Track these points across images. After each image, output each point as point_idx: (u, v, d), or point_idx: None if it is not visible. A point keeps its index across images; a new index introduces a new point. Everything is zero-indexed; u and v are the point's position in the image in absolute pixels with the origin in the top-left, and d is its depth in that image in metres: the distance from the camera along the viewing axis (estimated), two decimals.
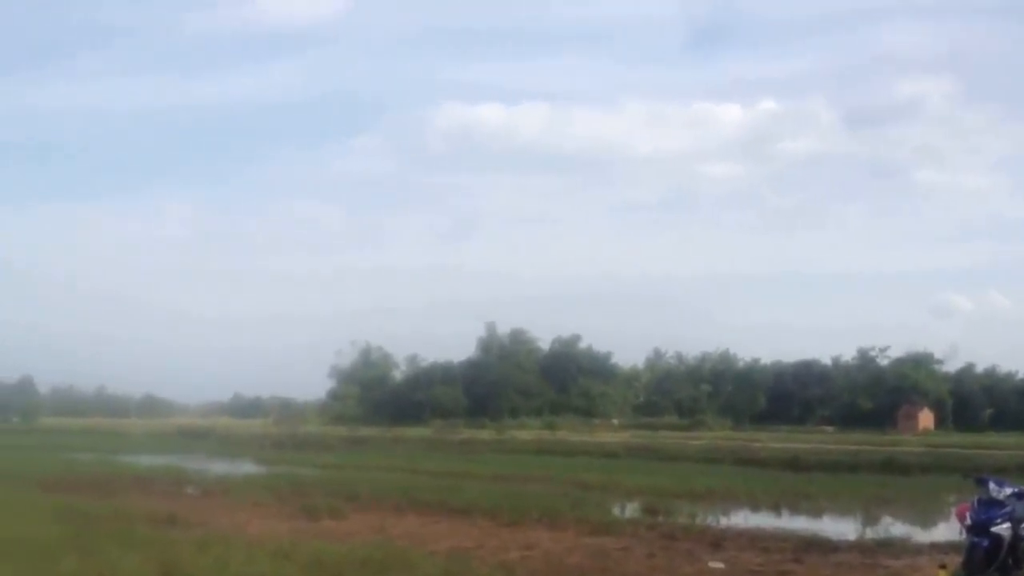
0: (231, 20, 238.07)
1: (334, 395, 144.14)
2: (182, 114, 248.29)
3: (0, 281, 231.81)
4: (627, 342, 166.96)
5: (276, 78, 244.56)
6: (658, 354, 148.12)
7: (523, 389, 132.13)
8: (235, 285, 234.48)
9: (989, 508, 12.37)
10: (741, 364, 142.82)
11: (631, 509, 27.04)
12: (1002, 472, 28.36)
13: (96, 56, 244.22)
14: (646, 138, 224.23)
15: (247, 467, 43.48)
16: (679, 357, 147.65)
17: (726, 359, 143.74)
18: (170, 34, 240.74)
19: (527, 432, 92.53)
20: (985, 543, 12.08)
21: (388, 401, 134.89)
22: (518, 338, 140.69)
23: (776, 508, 29.02)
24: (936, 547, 19.05)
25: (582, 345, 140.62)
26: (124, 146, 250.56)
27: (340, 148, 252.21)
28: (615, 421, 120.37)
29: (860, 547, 19.54)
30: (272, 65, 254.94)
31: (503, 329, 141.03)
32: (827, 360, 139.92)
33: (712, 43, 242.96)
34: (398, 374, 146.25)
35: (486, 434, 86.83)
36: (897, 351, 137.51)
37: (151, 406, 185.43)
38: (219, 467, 41.26)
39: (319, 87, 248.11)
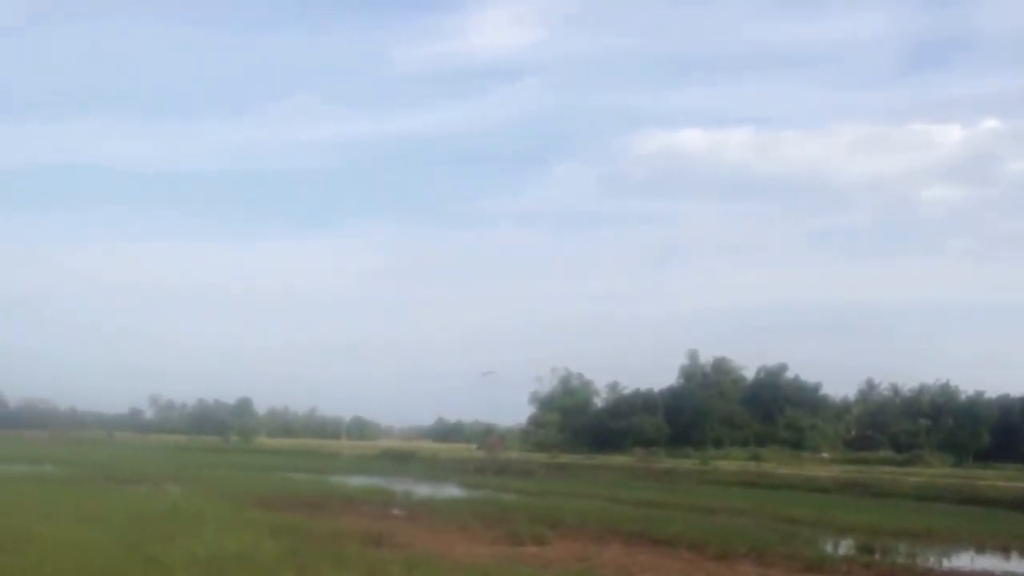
0: (437, 55, 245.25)
1: (534, 421, 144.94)
2: (388, 145, 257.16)
3: (220, 309, 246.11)
4: (837, 373, 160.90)
5: (478, 109, 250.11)
6: (871, 385, 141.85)
7: (727, 419, 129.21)
8: (439, 312, 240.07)
9: None
10: (963, 397, 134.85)
11: (844, 546, 25.81)
12: None
13: (308, 93, 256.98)
14: (857, 162, 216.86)
15: (450, 490, 44.16)
16: (894, 389, 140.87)
17: (946, 392, 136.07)
18: (378, 70, 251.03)
19: (731, 463, 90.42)
20: None
21: (588, 428, 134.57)
22: (721, 367, 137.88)
23: (1005, 551, 27.16)
24: None
25: (789, 375, 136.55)
26: (335, 178, 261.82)
27: (541, 176, 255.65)
28: (825, 455, 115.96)
29: None
30: (475, 96, 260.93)
31: (705, 357, 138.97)
32: None
33: (929, 62, 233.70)
34: (598, 401, 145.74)
35: (689, 464, 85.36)
36: None
37: (359, 428, 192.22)
38: (423, 490, 42.03)
39: (521, 116, 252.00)
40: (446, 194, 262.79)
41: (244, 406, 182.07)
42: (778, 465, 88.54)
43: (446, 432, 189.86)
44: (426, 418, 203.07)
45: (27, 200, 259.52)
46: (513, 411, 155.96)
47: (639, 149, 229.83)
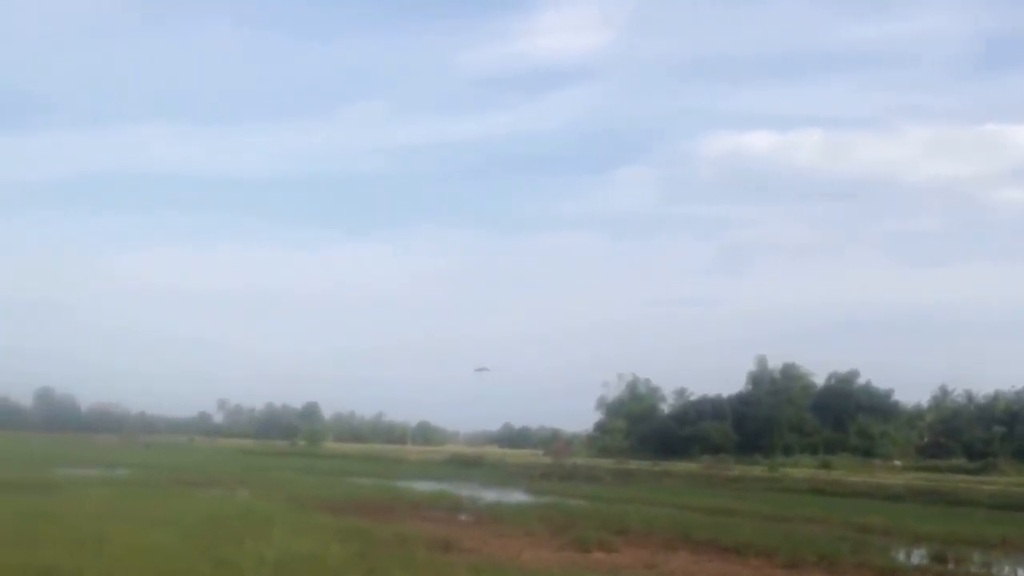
0: (500, 58, 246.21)
1: (601, 427, 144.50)
2: (452, 150, 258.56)
3: (287, 314, 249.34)
4: (909, 379, 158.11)
5: (542, 112, 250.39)
6: (944, 392, 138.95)
7: (796, 426, 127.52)
8: (503, 317, 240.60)
9: None
10: None
11: (917, 556, 25.32)
12: None
13: (374, 98, 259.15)
14: (929, 163, 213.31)
15: (517, 496, 44.15)
16: (968, 396, 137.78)
17: (1022, 398, 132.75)
18: (442, 74, 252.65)
19: (801, 470, 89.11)
20: None
21: (655, 434, 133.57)
22: (790, 373, 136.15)
23: None
24: None
25: (860, 381, 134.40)
26: (399, 182, 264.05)
27: (606, 180, 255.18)
28: (897, 462, 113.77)
29: None
30: (539, 100, 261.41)
31: (774, 363, 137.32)
32: None
33: (1002, 61, 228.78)
34: (665, 407, 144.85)
35: (757, 471, 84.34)
36: None
37: (425, 433, 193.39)
38: (490, 495, 42.08)
39: (584, 119, 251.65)
40: (509, 198, 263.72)
41: (311, 410, 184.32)
42: (849, 473, 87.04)
43: (512, 437, 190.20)
44: (492, 423, 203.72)
45: (97, 206, 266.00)
46: (580, 416, 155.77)
47: (705, 151, 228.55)
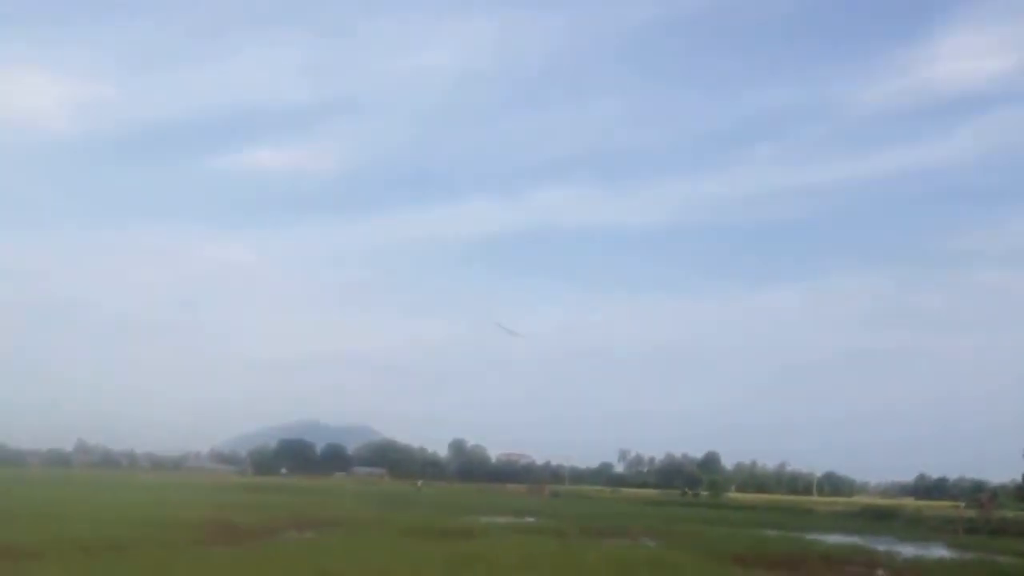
0: (900, 91, 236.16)
1: None
2: (857, 190, 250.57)
3: (685, 364, 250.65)
4: None
5: (953, 142, 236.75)
6: None
7: None
8: (913, 360, 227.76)
9: None
10: None
11: None
12: None
13: (769, 142, 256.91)
14: None
15: (939, 552, 40.85)
16: None
17: None
18: (842, 112, 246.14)
19: None
20: None
21: None
22: None
23: None
24: None
25: None
26: (801, 228, 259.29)
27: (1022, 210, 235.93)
28: None
29: None
30: (947, 130, 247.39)
31: None
32: None
33: None
34: None
35: None
36: None
37: (832, 484, 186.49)
38: (909, 550, 39.28)
39: (1001, 146, 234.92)
40: (921, 236, 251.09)
41: (711, 460, 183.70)
42: None
43: (928, 489, 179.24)
44: (905, 474, 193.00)
45: (506, 266, 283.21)
46: (1005, 466, 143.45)
47: None
